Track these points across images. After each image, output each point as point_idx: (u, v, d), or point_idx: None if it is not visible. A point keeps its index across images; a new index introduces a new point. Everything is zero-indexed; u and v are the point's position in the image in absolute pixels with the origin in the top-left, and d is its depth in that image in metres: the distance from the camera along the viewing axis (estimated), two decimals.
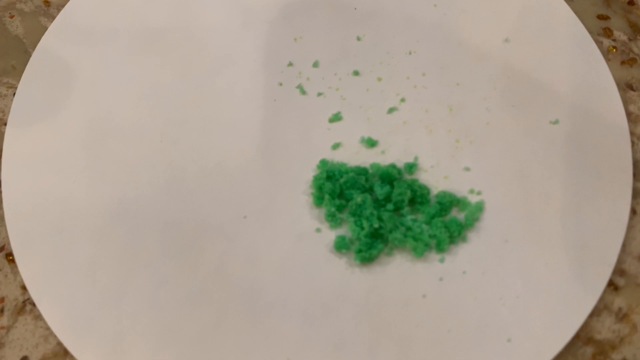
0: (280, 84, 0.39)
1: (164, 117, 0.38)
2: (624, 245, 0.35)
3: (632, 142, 0.38)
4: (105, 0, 0.42)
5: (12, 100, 0.40)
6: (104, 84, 0.39)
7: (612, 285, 0.35)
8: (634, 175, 0.37)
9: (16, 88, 0.40)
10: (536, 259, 0.34)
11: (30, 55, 0.41)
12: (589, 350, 0.33)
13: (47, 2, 0.43)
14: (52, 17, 0.43)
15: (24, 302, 0.34)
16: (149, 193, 0.36)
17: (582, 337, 0.33)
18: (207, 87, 0.39)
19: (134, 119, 0.38)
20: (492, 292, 0.33)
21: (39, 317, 0.34)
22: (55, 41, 0.41)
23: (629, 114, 0.39)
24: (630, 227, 0.36)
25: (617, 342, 0.33)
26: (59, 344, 0.33)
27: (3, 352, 0.33)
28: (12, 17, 0.43)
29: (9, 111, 0.39)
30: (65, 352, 0.33)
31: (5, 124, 0.39)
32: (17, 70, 0.41)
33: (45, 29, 0.42)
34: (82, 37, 0.41)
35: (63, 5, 0.43)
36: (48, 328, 0.34)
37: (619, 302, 0.34)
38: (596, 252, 0.34)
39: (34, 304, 0.34)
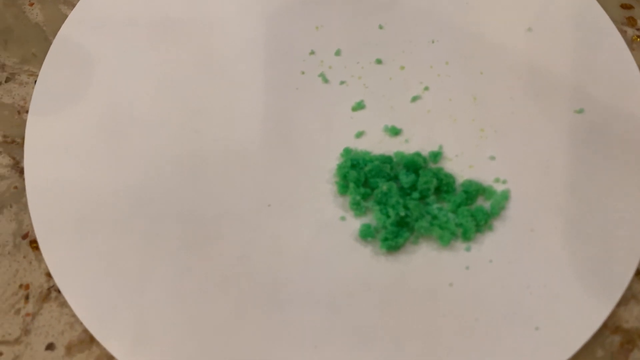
0: (303, 73, 0.38)
1: (185, 106, 0.38)
2: None
3: None
4: None
5: (33, 88, 0.39)
6: (124, 72, 0.39)
7: (639, 274, 0.34)
8: None
9: (37, 76, 0.40)
10: (563, 248, 0.33)
11: (50, 43, 0.40)
12: (617, 339, 0.33)
13: None
14: (72, 5, 0.42)
15: (48, 289, 0.34)
16: (171, 182, 0.35)
17: (610, 326, 0.33)
18: (227, 75, 0.38)
19: (155, 107, 0.38)
20: (519, 280, 0.33)
21: (64, 304, 0.34)
22: (75, 29, 0.41)
23: None
24: None
25: None
26: (85, 331, 0.33)
27: (29, 339, 0.33)
28: (31, 4, 0.43)
29: (31, 99, 0.38)
30: (91, 339, 0.33)
31: (27, 112, 0.39)
32: (38, 58, 0.41)
33: (65, 16, 0.41)
34: (102, 26, 0.41)
35: None
36: (74, 315, 0.33)
37: None
38: (623, 241, 0.33)
39: (59, 291, 0.34)
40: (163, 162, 0.36)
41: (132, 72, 0.39)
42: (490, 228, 0.34)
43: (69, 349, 0.33)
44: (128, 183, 0.36)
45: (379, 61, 0.39)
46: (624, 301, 0.33)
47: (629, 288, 0.34)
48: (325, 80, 0.38)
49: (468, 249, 0.33)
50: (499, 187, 0.35)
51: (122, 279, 0.33)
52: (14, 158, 0.38)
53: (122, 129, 0.37)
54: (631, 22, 0.42)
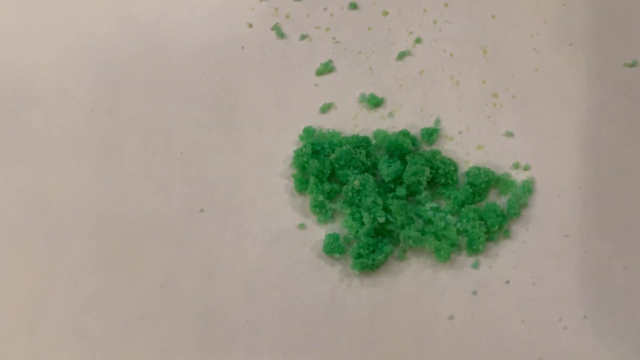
0: (250, 26, 0.33)
1: (96, 77, 0.33)
2: None
3: None
4: None
5: None
6: (18, 35, 0.34)
7: None
8: None
9: None
10: (611, 260, 0.28)
11: None
12: None
13: None
14: None
15: None
16: (76, 180, 0.31)
17: None
18: (151, 34, 0.34)
19: (57, 80, 0.33)
20: (548, 310, 0.27)
21: None
22: None
23: None
24: None
25: None
26: None
27: None
28: None
29: None
30: None
31: None
32: None
33: None
34: None
35: None
36: None
37: None
38: None
39: None
40: (65, 154, 0.32)
41: (28, 35, 0.34)
42: (506, 235, 0.29)
43: None
44: (20, 181, 0.31)
45: (353, 5, 0.33)
46: None
47: None
48: (281, 35, 0.33)
49: (475, 266, 0.28)
50: (520, 176, 0.30)
51: (8, 315, 0.29)
52: None
53: (14, 110, 0.33)
54: None
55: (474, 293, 0.27)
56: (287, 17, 0.32)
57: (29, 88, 0.33)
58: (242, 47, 0.32)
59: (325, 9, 0.33)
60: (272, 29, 0.32)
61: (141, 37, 0.33)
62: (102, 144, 0.31)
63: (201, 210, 0.29)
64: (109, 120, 0.31)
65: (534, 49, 0.31)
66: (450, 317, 0.27)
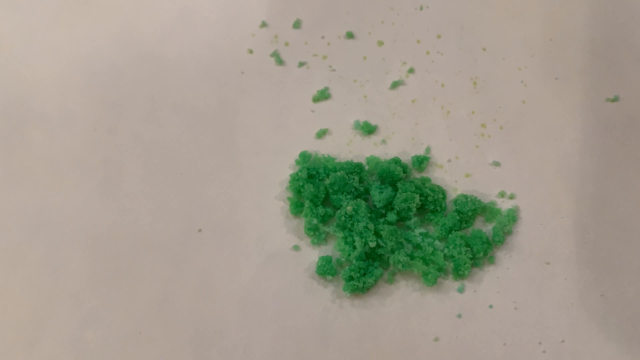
0: (250, 51, 0.33)
1: (99, 99, 0.33)
2: None
3: None
4: None
5: None
6: (23, 56, 0.34)
7: None
8: None
9: None
10: (590, 288, 0.28)
11: None
12: None
13: None
14: None
15: None
16: (77, 198, 0.31)
17: None
18: (153, 57, 0.33)
19: (60, 101, 0.33)
20: (529, 334, 0.28)
21: None
22: None
23: None
24: None
25: None
26: None
27: None
28: None
29: None
30: None
31: None
32: None
33: None
34: None
35: None
36: None
37: None
38: None
39: None
40: (67, 173, 0.31)
41: (32, 56, 0.34)
42: (491, 261, 0.29)
43: None
44: (21, 200, 0.31)
45: (349, 35, 0.33)
46: None
47: None
48: (280, 62, 0.33)
49: (461, 290, 0.29)
50: (505, 204, 0.30)
51: (7, 328, 0.29)
52: None
53: (17, 129, 0.32)
54: None
55: (459, 316, 0.27)
56: (286, 44, 0.33)
57: (32, 107, 0.32)
58: (242, 72, 0.32)
59: (322, 37, 0.33)
60: (272, 55, 0.33)
61: (143, 60, 0.33)
62: (103, 163, 0.31)
63: (199, 230, 0.29)
64: (110, 140, 0.31)
65: (522, 81, 0.32)
66: (436, 339, 0.27)
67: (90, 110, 0.32)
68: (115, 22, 0.34)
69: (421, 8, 0.33)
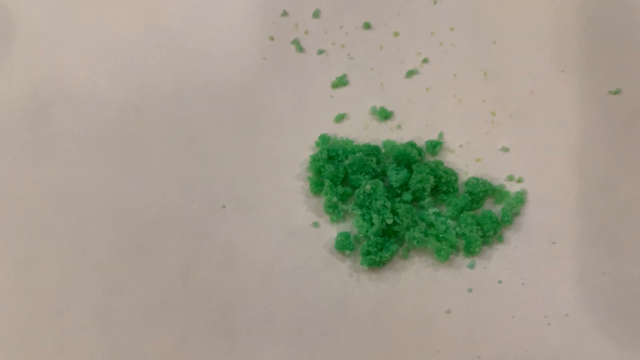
0: (272, 39, 0.34)
1: (126, 80, 0.34)
2: None
3: None
4: None
5: None
6: (52, 38, 0.35)
7: None
8: None
9: None
10: (592, 266, 0.30)
11: None
12: None
13: None
14: None
15: None
16: (104, 174, 0.32)
17: None
18: (179, 41, 0.34)
19: (89, 81, 0.34)
20: (535, 308, 0.29)
21: None
22: None
23: None
24: None
25: None
26: None
27: None
28: None
29: None
30: None
31: None
32: None
33: None
34: None
35: None
36: None
37: None
38: None
39: None
40: (95, 149, 0.33)
41: (61, 39, 0.35)
42: (500, 240, 0.30)
43: None
44: (50, 174, 0.32)
45: (367, 25, 0.35)
46: None
47: None
48: (300, 49, 0.34)
49: (472, 266, 0.30)
50: (513, 187, 0.31)
51: (38, 297, 0.30)
52: None
53: (46, 108, 0.33)
54: None
55: (470, 291, 0.29)
56: (306, 32, 0.34)
57: (60, 87, 0.33)
58: (264, 58, 0.33)
59: (341, 27, 0.34)
60: (292, 42, 0.34)
61: (168, 44, 0.34)
62: (129, 142, 0.32)
63: (223, 206, 0.30)
64: (136, 120, 0.32)
65: (530, 73, 0.33)
66: (448, 312, 0.29)
67: (117, 91, 0.33)
68: (142, 6, 0.34)
69: (435, 2, 0.34)
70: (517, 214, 0.30)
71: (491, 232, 0.29)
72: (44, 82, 0.33)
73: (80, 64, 0.34)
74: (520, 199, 0.30)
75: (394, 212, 0.29)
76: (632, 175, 0.30)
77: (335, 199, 0.30)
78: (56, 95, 0.33)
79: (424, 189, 0.30)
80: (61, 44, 0.34)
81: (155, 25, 0.34)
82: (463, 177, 0.31)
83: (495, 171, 0.31)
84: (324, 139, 0.31)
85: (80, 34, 0.34)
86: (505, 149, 0.32)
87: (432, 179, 0.30)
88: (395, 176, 0.30)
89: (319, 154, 0.30)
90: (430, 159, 0.32)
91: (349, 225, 0.30)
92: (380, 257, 0.29)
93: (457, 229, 0.30)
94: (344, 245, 0.29)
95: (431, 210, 0.30)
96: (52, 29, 0.34)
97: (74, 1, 0.35)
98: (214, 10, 0.34)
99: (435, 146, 0.31)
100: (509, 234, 0.30)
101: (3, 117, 0.32)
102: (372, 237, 0.29)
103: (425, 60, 0.34)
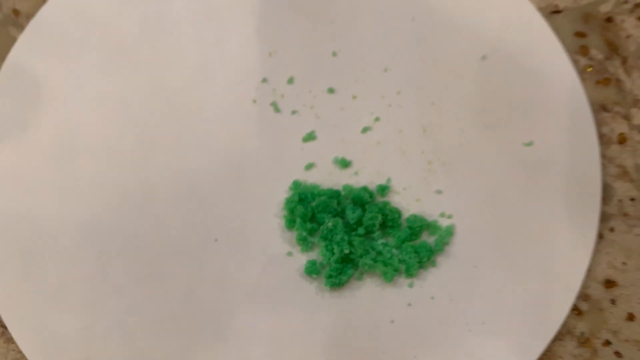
0: (254, 101, 0.38)
1: (135, 135, 0.37)
2: (589, 270, 0.36)
3: (603, 165, 0.38)
4: (76, 10, 0.40)
5: None
6: (73, 99, 0.38)
7: (575, 310, 0.35)
8: (603, 199, 0.37)
9: None
10: (504, 285, 0.34)
11: None
12: None
13: (16, 11, 0.42)
14: (22, 27, 0.41)
15: None
16: (120, 214, 0.36)
17: None
18: (178, 103, 0.38)
19: (105, 135, 0.37)
20: (459, 318, 0.34)
21: (10, 339, 0.34)
22: (24, 53, 0.39)
23: (601, 136, 0.39)
24: (596, 252, 0.36)
25: None
26: None
27: None
28: None
29: None
30: None
31: None
32: None
33: (14, 39, 0.40)
34: (52, 49, 0.39)
35: (32, 15, 0.41)
36: (20, 352, 0.34)
37: (581, 327, 0.35)
38: (562, 278, 0.34)
39: (5, 327, 0.34)
40: (111, 193, 0.36)
41: (81, 99, 0.38)
42: (433, 264, 0.34)
43: None
44: (75, 215, 0.36)
45: (331, 90, 0.38)
46: (559, 336, 0.34)
47: (565, 324, 0.35)
48: (277, 110, 0.37)
49: (411, 286, 0.34)
50: (444, 222, 0.35)
51: (70, 314, 0.34)
52: None
53: (71, 158, 0.37)
54: (584, 51, 0.41)
55: (409, 305, 0.33)
56: (282, 96, 0.38)
57: (82, 141, 0.37)
58: (248, 117, 0.37)
59: (310, 91, 0.38)
60: (271, 104, 0.37)
61: (171, 105, 0.37)
62: (138, 187, 0.36)
63: (215, 240, 0.35)
64: (144, 168, 0.36)
65: (460, 129, 0.36)
66: (392, 322, 0.33)
67: (128, 144, 0.37)
68: (147, 73, 0.38)
69: (386, 70, 0.38)
70: (447, 243, 0.34)
71: (426, 259, 0.33)
72: (67, 136, 0.37)
73: (96, 120, 0.37)
74: (450, 232, 0.34)
75: (350, 243, 0.33)
76: (536, 213, 0.35)
77: (305, 234, 0.34)
78: (77, 146, 0.37)
79: (374, 225, 0.34)
80: (80, 104, 0.37)
81: (158, 88, 0.38)
82: (405, 214, 0.35)
83: (430, 209, 0.35)
84: (296, 184, 0.35)
85: (95, 95, 0.37)
86: (439, 191, 0.35)
87: (380, 216, 0.34)
88: (352, 214, 0.34)
89: (292, 197, 0.34)
90: (379, 199, 0.35)
91: (316, 254, 0.34)
92: (340, 279, 0.33)
93: (400, 256, 0.33)
94: (312, 270, 0.33)
95: (380, 242, 0.34)
96: (73, 92, 0.38)
97: (90, 67, 0.38)
98: (206, 77, 0.38)
99: (383, 189, 0.35)
100: (440, 259, 0.34)
101: (35, 165, 0.36)
102: (333, 263, 0.33)
103: (377, 119, 0.37)
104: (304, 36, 0.40)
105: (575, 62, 0.40)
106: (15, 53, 0.39)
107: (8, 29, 0.41)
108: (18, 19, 0.41)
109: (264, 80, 0.38)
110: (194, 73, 0.38)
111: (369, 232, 0.35)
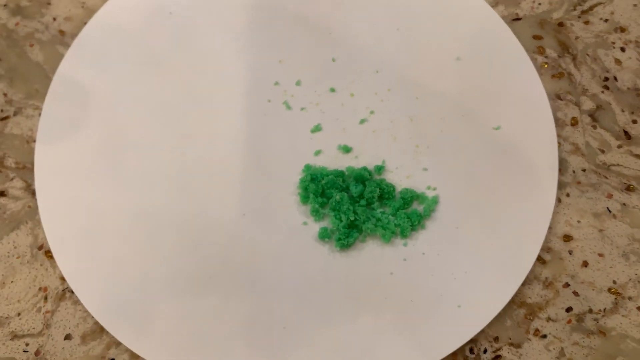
0: (269, 101, 0.43)
1: (173, 131, 0.43)
2: (550, 228, 0.42)
3: (559, 143, 0.44)
4: (113, 29, 0.47)
5: (38, 119, 0.44)
6: (117, 103, 0.43)
7: (540, 260, 0.42)
8: (560, 170, 0.43)
9: (41, 109, 0.44)
10: (481, 242, 0.40)
11: (50, 80, 0.45)
12: (522, 311, 0.40)
13: (62, 32, 0.48)
14: (67, 45, 0.47)
15: (63, 290, 0.40)
16: (163, 198, 0.41)
17: (517, 301, 0.40)
18: (207, 105, 0.43)
19: (146, 133, 0.43)
20: (446, 269, 0.39)
21: (77, 302, 0.40)
22: (71, 67, 0.46)
23: (556, 120, 0.45)
24: (555, 213, 0.42)
25: (543, 304, 0.40)
26: (96, 323, 0.39)
27: (50, 332, 0.39)
28: (32, 45, 0.48)
29: (37, 129, 0.44)
30: (102, 330, 0.39)
31: (35, 141, 0.44)
32: (40, 93, 0.46)
33: (62, 55, 0.46)
34: (95, 63, 0.46)
35: (76, 35, 0.47)
36: (85, 311, 0.39)
37: (545, 273, 0.41)
38: (528, 234, 0.40)
39: (72, 292, 0.40)
40: (155, 181, 0.41)
41: (123, 103, 0.43)
42: (423, 227, 0.40)
43: (84, 338, 0.39)
44: (127, 199, 0.41)
45: (332, 90, 0.44)
46: (527, 281, 0.41)
47: (532, 271, 0.41)
48: (289, 107, 0.43)
49: (405, 245, 0.39)
50: (430, 194, 0.41)
51: (126, 280, 0.39)
52: (26, 181, 0.43)
53: (118, 153, 0.42)
54: (540, 50, 0.49)
55: (405, 260, 0.38)
56: (292, 96, 0.44)
57: (127, 138, 0.42)
58: (265, 115, 0.43)
59: (315, 91, 0.44)
60: (283, 103, 0.43)
61: (201, 107, 0.43)
62: (177, 175, 0.41)
63: (244, 215, 0.40)
64: (182, 159, 0.42)
65: (441, 118, 0.42)
66: (391, 273, 0.38)
67: (167, 139, 0.42)
68: (178, 80, 0.44)
69: (377, 72, 0.45)
70: (433, 210, 0.40)
71: (417, 223, 0.39)
72: (113, 135, 0.42)
73: (138, 120, 0.43)
74: (435, 201, 0.40)
75: (355, 212, 0.39)
76: (505, 184, 0.41)
77: (317, 206, 0.39)
78: (124, 143, 0.42)
79: (373, 197, 0.39)
80: (123, 107, 0.43)
81: (189, 94, 0.44)
82: (398, 188, 0.40)
83: (418, 183, 0.40)
84: (307, 167, 0.41)
85: (134, 99, 0.43)
86: (425, 169, 0.41)
87: (378, 190, 0.39)
88: (355, 189, 0.39)
89: (305, 177, 0.40)
90: (377, 177, 0.41)
91: (327, 222, 0.39)
92: (347, 241, 0.38)
93: (395, 221, 0.39)
94: (324, 235, 0.39)
95: (379, 211, 0.39)
96: (116, 98, 0.44)
97: (130, 78, 0.44)
98: (229, 82, 0.44)
99: (380, 169, 0.41)
100: (428, 223, 0.39)
101: (89, 159, 0.42)
102: (341, 229, 0.38)
103: (372, 112, 0.42)
104: (307, 45, 0.46)
105: (533, 60, 0.47)
106: (64, 66, 0.46)
107: (56, 47, 0.48)
108: (64, 38, 0.48)
109: (276, 83, 0.44)
110: (218, 79, 0.45)
111: (369, 203, 0.40)
